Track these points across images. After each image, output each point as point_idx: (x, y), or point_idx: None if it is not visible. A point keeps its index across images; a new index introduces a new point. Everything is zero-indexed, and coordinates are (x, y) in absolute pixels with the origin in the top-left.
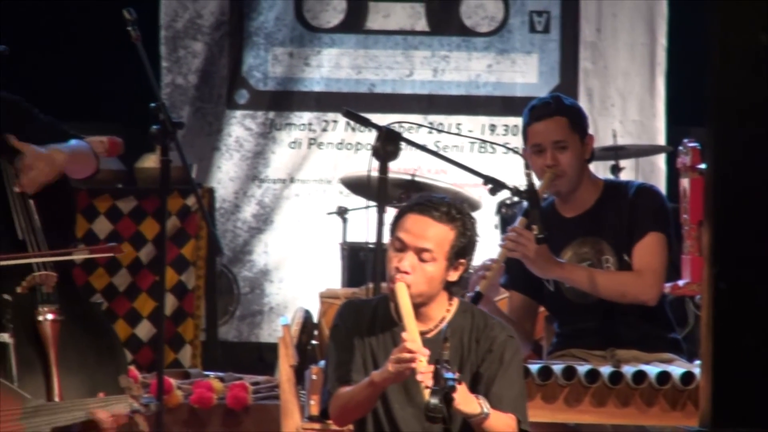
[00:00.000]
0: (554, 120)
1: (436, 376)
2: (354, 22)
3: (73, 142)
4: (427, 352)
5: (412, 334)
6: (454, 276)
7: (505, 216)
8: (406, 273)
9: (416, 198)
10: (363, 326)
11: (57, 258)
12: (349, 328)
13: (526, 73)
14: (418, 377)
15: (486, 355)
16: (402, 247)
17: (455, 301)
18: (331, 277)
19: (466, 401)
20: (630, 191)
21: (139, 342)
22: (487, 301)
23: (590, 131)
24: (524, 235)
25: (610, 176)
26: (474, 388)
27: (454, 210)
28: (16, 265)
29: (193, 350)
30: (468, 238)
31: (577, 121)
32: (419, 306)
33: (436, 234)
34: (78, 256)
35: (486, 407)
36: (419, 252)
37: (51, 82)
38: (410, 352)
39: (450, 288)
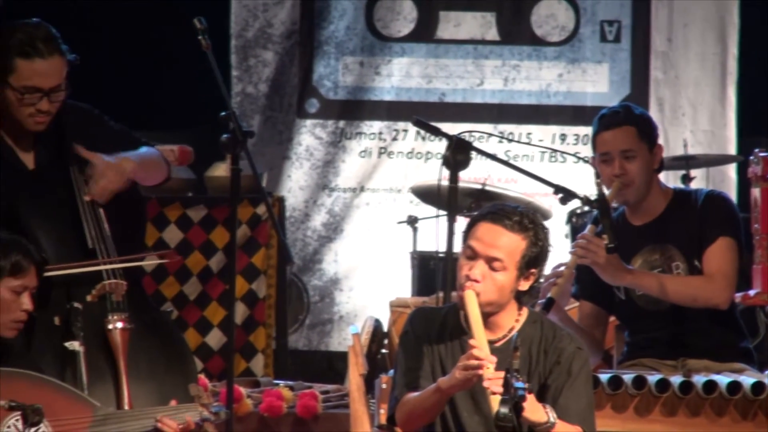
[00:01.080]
0: (623, 129)
1: (506, 384)
2: (425, 32)
3: (143, 149)
4: (494, 359)
5: (479, 341)
6: (524, 285)
7: (576, 225)
8: (476, 281)
9: (489, 206)
10: (432, 333)
11: (125, 264)
12: (418, 335)
13: (597, 83)
14: (485, 383)
15: (554, 366)
16: (473, 256)
17: (525, 311)
18: (401, 286)
19: (534, 410)
20: (699, 198)
21: (209, 350)
22: (557, 309)
23: (660, 141)
24: (594, 242)
25: (681, 185)
26: (541, 399)
27: (527, 219)
28: (86, 274)
29: (265, 359)
30: (539, 248)
31: (646, 131)
32: (488, 315)
33: (508, 243)
34: (147, 263)
35: (552, 416)
36: (490, 261)
37: (122, 90)
38: (477, 359)
39: (520, 297)
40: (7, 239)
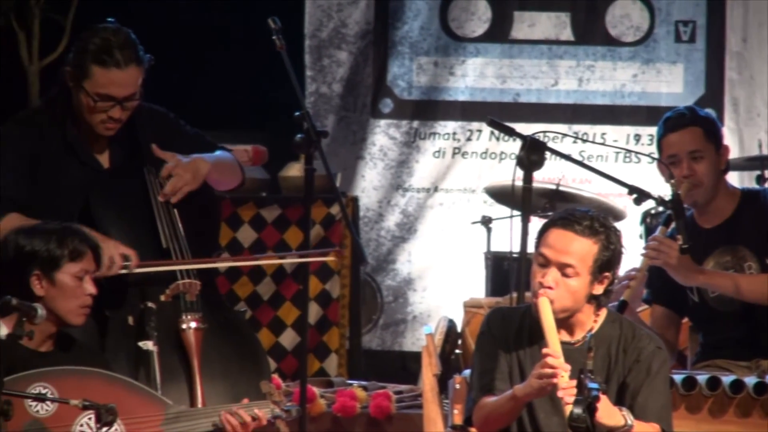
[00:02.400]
0: (689, 130)
1: (580, 385)
2: (499, 32)
3: (218, 153)
4: (568, 367)
5: (554, 348)
6: (599, 289)
7: (650, 226)
8: (549, 288)
9: (559, 212)
10: (510, 334)
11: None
12: (495, 336)
13: (672, 83)
14: (559, 393)
15: (633, 365)
16: (545, 263)
17: (603, 311)
18: (475, 286)
19: (608, 412)
20: None
21: (282, 350)
22: (629, 312)
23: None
24: (666, 243)
25: (756, 186)
26: (620, 398)
27: (597, 223)
28: (160, 274)
29: (338, 359)
30: (612, 251)
31: (712, 131)
32: (565, 319)
33: (579, 248)
34: (321, 259)
35: (629, 419)
36: (562, 267)
37: (196, 91)
38: (552, 367)
39: (598, 298)
40: (62, 226)
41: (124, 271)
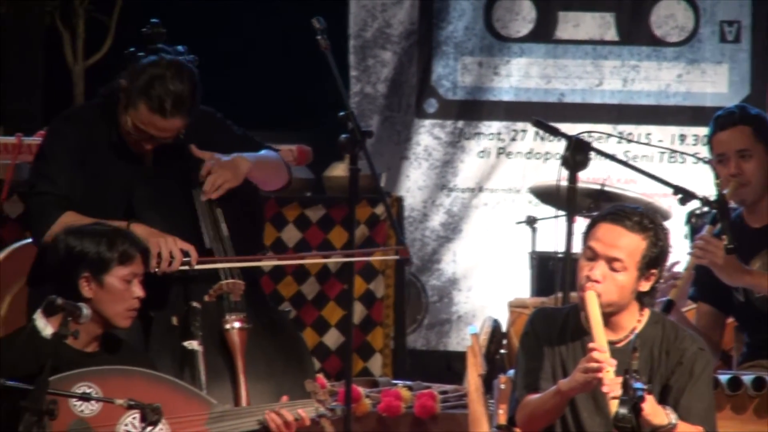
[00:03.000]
0: (738, 129)
1: (625, 386)
2: (543, 32)
3: (263, 152)
4: (614, 362)
5: (600, 343)
6: (645, 286)
7: (695, 226)
8: (596, 282)
9: (609, 207)
10: (554, 334)
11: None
12: (539, 336)
13: (716, 83)
14: (604, 389)
15: (676, 367)
16: (593, 256)
17: (646, 312)
18: (520, 286)
19: (653, 412)
20: None
21: (327, 350)
22: (675, 311)
23: None
24: (712, 242)
25: None
26: (663, 400)
27: (647, 220)
28: (204, 274)
29: (383, 359)
30: (660, 248)
31: (762, 131)
32: (609, 315)
33: (628, 244)
34: (377, 258)
35: (673, 418)
36: (610, 261)
37: (240, 91)
38: (597, 361)
39: (641, 298)
40: (111, 229)
41: (185, 267)
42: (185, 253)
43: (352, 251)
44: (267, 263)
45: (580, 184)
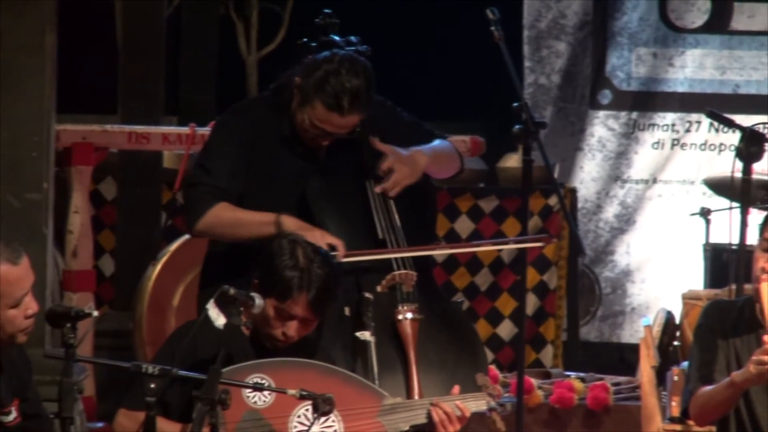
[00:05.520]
0: None
1: None
2: (718, 23)
3: (436, 142)
4: None
5: None
6: None
7: None
8: None
9: None
10: (728, 327)
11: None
12: (713, 328)
13: None
14: None
15: None
16: None
17: None
18: (694, 278)
19: None
20: None
21: (500, 341)
22: None
23: None
24: None
25: None
26: None
27: None
28: (376, 264)
29: (554, 350)
30: None
31: None
32: None
33: None
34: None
35: None
36: None
37: (414, 81)
38: None
39: None
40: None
41: None
42: (332, 248)
43: (500, 240)
44: (408, 254)
45: (755, 176)
